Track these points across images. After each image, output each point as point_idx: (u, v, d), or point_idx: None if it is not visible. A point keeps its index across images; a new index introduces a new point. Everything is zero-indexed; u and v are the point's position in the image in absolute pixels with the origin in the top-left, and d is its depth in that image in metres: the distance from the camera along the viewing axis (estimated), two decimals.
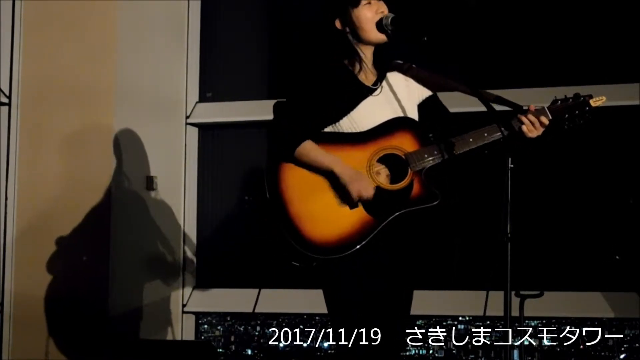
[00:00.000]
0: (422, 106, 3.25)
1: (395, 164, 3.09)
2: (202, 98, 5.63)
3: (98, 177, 5.05)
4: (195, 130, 5.63)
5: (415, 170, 3.08)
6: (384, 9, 3.15)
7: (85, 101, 5.11)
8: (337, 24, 3.16)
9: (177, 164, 5.52)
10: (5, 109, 5.21)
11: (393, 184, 3.07)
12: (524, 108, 3.13)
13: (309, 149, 3.02)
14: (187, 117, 5.56)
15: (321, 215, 3.02)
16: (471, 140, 3.11)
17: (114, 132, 5.06)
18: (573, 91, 4.97)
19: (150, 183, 5.26)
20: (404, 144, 3.10)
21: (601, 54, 4.92)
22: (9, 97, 5.20)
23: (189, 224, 5.55)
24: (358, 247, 2.99)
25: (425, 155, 3.09)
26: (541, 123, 3.09)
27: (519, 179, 3.12)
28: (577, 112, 3.12)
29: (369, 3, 3.14)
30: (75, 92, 5.12)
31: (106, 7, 5.12)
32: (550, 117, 3.11)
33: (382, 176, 3.09)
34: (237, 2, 5.71)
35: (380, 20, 3.13)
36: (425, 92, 3.27)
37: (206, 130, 5.65)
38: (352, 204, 3.03)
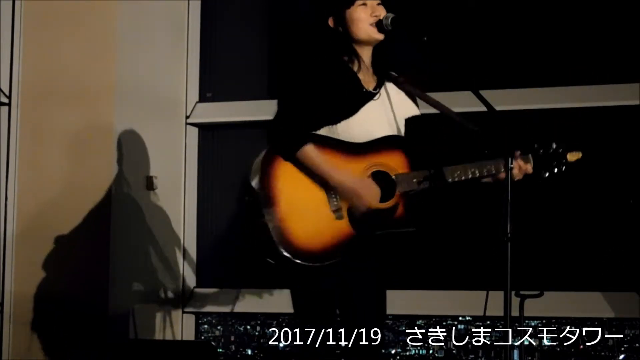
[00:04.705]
0: (408, 122, 3.25)
1: (384, 181, 3.10)
2: (202, 98, 5.62)
3: (98, 177, 5.05)
4: (195, 130, 5.63)
5: (401, 192, 3.09)
6: (379, 12, 3.13)
7: (85, 101, 5.11)
8: (330, 22, 3.17)
9: (177, 164, 5.52)
10: (5, 109, 5.21)
11: (382, 201, 3.09)
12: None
13: (311, 155, 3.01)
14: (187, 117, 5.56)
15: (306, 219, 3.02)
16: (474, 169, 3.13)
17: (114, 132, 5.06)
18: (573, 91, 5.00)
19: (150, 183, 5.25)
20: (396, 163, 3.11)
21: (601, 54, 4.91)
22: (9, 97, 5.20)
23: (189, 223, 5.54)
24: (334, 260, 3.02)
25: (414, 180, 3.10)
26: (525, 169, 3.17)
27: (518, 179, 3.13)
28: (554, 162, 3.23)
29: (364, 4, 3.13)
30: (75, 91, 5.12)
31: (106, 6, 5.12)
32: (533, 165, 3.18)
33: None
34: (237, 2, 5.71)
35: (380, 21, 3.13)
36: (412, 110, 3.26)
37: (206, 130, 5.65)
38: (339, 215, 3.04)
